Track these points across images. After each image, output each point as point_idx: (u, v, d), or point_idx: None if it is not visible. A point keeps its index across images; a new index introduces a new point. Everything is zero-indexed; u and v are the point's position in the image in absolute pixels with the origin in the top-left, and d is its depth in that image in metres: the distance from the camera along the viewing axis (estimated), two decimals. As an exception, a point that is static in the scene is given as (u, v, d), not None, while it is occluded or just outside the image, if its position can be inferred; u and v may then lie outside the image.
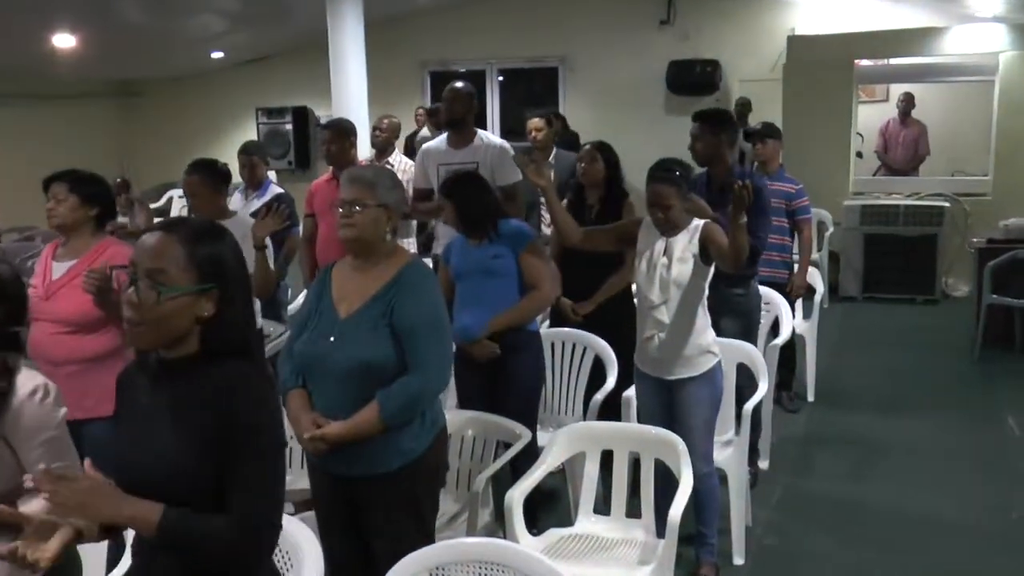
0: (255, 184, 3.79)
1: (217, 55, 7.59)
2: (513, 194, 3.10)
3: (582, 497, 2.25)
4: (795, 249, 3.79)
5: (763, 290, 3.41)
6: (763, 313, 3.41)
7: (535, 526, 2.30)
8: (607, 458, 2.22)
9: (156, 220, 5.90)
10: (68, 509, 1.12)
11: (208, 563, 1.17)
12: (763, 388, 2.69)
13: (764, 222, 2.77)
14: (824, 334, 4.24)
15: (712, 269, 2.33)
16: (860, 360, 4.61)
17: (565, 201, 2.91)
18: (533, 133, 4.28)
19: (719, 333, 2.48)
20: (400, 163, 4.16)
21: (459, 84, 3.26)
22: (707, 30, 6.99)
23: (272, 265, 3.00)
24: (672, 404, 2.37)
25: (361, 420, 1.74)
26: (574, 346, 2.88)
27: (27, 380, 1.43)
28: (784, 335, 3.35)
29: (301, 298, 3.33)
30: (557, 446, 2.19)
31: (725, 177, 2.77)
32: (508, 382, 2.49)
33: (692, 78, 6.90)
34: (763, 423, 3.13)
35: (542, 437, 2.50)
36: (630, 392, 2.61)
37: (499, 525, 2.19)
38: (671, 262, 2.30)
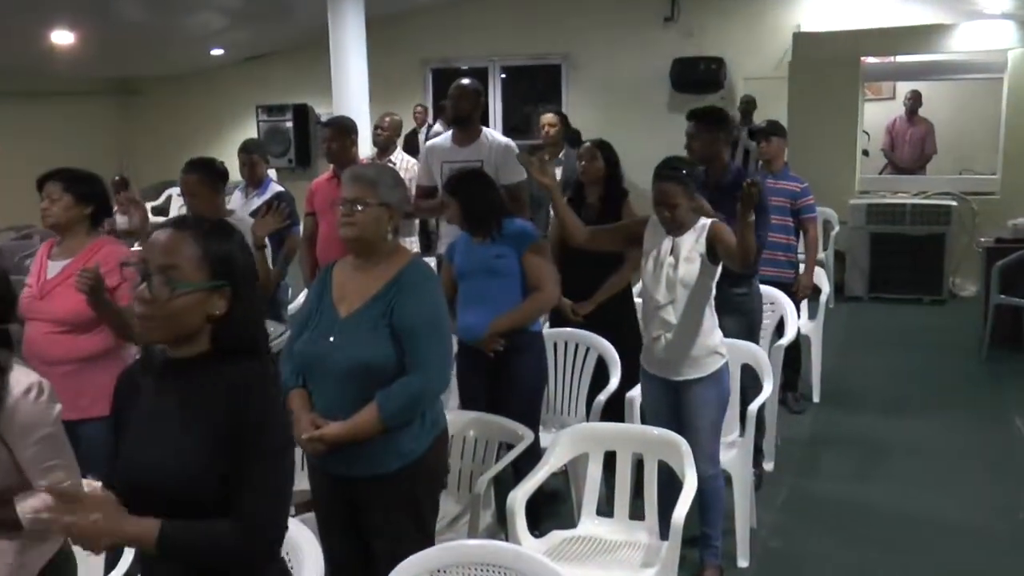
0: (255, 182, 3.77)
1: (217, 52, 7.59)
2: (517, 193, 3.08)
3: (585, 499, 2.23)
4: (800, 249, 3.76)
5: (768, 290, 3.39)
6: (768, 313, 3.39)
7: (537, 528, 2.28)
8: (610, 459, 2.20)
9: (157, 220, 5.90)
10: (70, 518, 1.10)
11: (214, 567, 1.16)
12: (768, 389, 2.67)
13: (764, 220, 2.75)
14: (830, 334, 4.22)
15: (719, 269, 2.31)
16: (866, 361, 4.58)
17: (566, 199, 2.88)
18: (546, 128, 4.24)
19: (723, 333, 2.45)
20: (402, 161, 4.14)
21: (466, 81, 3.23)
22: (711, 27, 6.96)
23: (272, 264, 2.98)
24: (678, 405, 2.36)
25: (360, 421, 1.73)
26: (577, 346, 2.87)
27: (21, 378, 1.42)
28: (789, 335, 3.32)
29: (302, 297, 3.32)
30: (560, 447, 2.18)
31: (722, 176, 2.75)
32: (510, 383, 2.48)
33: (696, 76, 6.86)
34: (768, 424, 3.11)
35: (545, 438, 2.48)
36: (633, 392, 2.60)
37: (501, 527, 2.18)
38: (678, 262, 2.28)
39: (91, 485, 1.14)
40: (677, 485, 2.02)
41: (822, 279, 4.04)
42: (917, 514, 2.89)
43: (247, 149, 3.80)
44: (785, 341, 3.29)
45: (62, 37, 5.93)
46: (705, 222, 2.30)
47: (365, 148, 4.50)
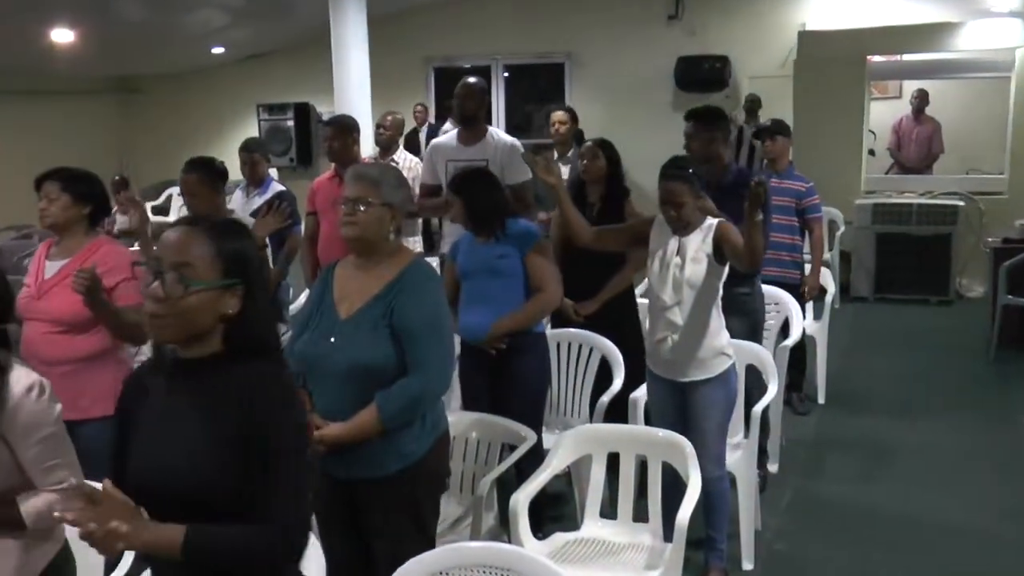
0: (256, 181, 3.76)
1: (218, 51, 7.56)
2: (522, 193, 3.07)
3: (588, 500, 2.22)
4: (806, 249, 3.74)
5: (773, 290, 3.38)
6: (773, 314, 3.37)
7: (540, 530, 2.27)
8: (614, 461, 2.19)
9: (158, 219, 5.88)
10: (93, 526, 1.08)
11: (238, 571, 1.15)
12: (772, 390, 2.65)
13: (766, 219, 2.74)
14: (835, 335, 4.18)
15: (727, 269, 2.29)
16: (872, 362, 4.55)
17: None
18: (556, 126, 4.22)
19: None
20: (405, 160, 4.13)
21: (472, 80, 3.22)
22: (716, 25, 6.93)
23: (272, 264, 2.97)
24: (685, 407, 2.34)
25: (360, 422, 1.72)
26: (580, 347, 2.85)
27: (22, 377, 1.42)
28: (794, 336, 3.30)
29: (303, 298, 3.30)
30: (563, 448, 2.16)
31: (722, 175, 2.73)
32: (513, 383, 2.46)
33: (701, 74, 6.83)
34: (773, 425, 3.09)
35: (548, 439, 2.47)
36: (637, 394, 2.59)
37: (504, 529, 2.17)
38: (684, 262, 2.26)
39: (107, 487, 1.12)
40: (681, 487, 2.01)
41: (827, 279, 4.02)
42: (923, 516, 2.86)
43: (248, 148, 3.78)
44: (790, 342, 3.27)
45: (62, 35, 5.90)
46: (712, 222, 2.28)
47: (367, 147, 4.49)
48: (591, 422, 2.66)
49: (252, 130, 7.55)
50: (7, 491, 1.41)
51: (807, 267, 3.71)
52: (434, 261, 3.29)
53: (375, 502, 1.77)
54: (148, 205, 6.45)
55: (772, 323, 3.38)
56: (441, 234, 3.61)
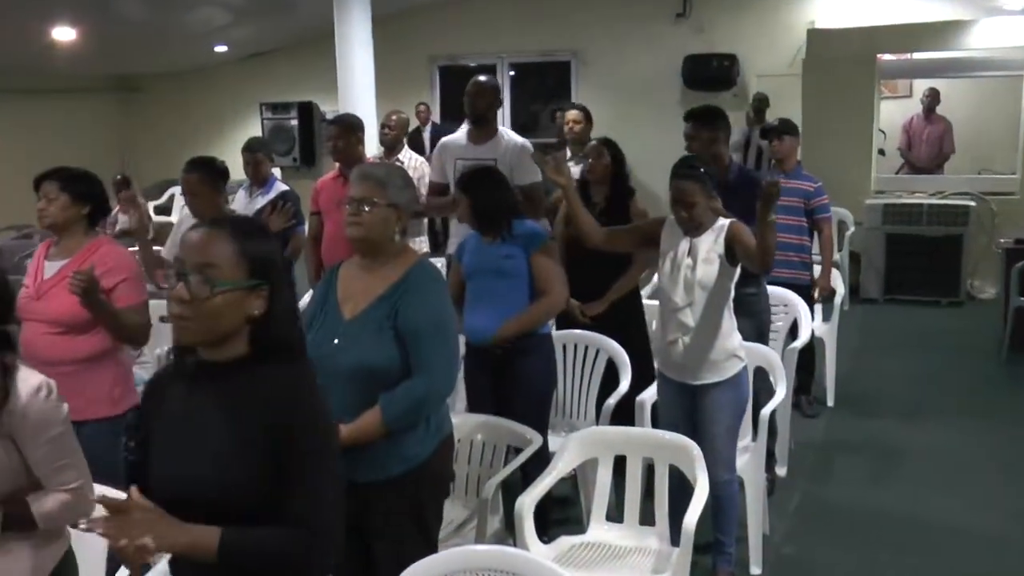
0: (260, 181, 3.73)
1: (220, 49, 7.52)
2: (532, 194, 3.04)
3: (594, 504, 2.20)
4: (814, 250, 3.70)
5: (781, 292, 3.35)
6: (782, 315, 3.34)
7: (546, 533, 2.25)
8: (620, 464, 2.17)
9: (160, 219, 5.85)
10: (124, 542, 1.07)
11: (267, 574, 1.14)
12: (781, 393, 2.63)
13: None
14: (844, 337, 4.15)
15: (738, 270, 2.27)
16: (881, 364, 4.51)
17: None
18: (571, 124, 4.20)
19: None
20: (410, 160, 4.10)
21: (483, 78, 3.19)
22: (723, 23, 6.88)
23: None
24: (695, 410, 2.32)
25: (363, 424, 1.70)
26: (586, 348, 2.83)
27: (29, 378, 1.42)
28: (803, 338, 3.27)
29: (307, 298, 3.29)
30: (569, 451, 2.14)
31: (724, 176, 2.71)
32: (518, 385, 2.45)
33: (708, 73, 6.79)
34: (781, 428, 3.06)
35: (553, 442, 2.45)
36: (644, 396, 2.56)
37: (509, 532, 2.15)
38: (696, 263, 2.24)
39: (134, 495, 1.11)
40: (688, 490, 1.99)
41: (837, 281, 3.98)
42: (932, 519, 2.83)
43: (251, 148, 3.76)
44: (799, 344, 3.24)
45: (63, 34, 5.88)
46: (723, 222, 2.25)
47: (371, 147, 4.46)
48: (597, 424, 2.64)
49: (254, 129, 7.53)
50: (16, 492, 1.41)
51: (816, 268, 3.68)
52: (439, 262, 3.27)
53: (377, 504, 1.75)
54: (150, 205, 6.46)
55: (780, 325, 3.35)
56: (446, 234, 3.58)
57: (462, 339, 2.34)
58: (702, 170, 2.25)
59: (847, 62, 5.81)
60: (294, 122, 7.76)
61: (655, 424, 2.47)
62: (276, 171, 4.30)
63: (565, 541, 2.14)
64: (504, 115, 7.60)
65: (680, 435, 2.13)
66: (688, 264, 2.24)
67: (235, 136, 6.50)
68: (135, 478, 1.20)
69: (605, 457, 2.16)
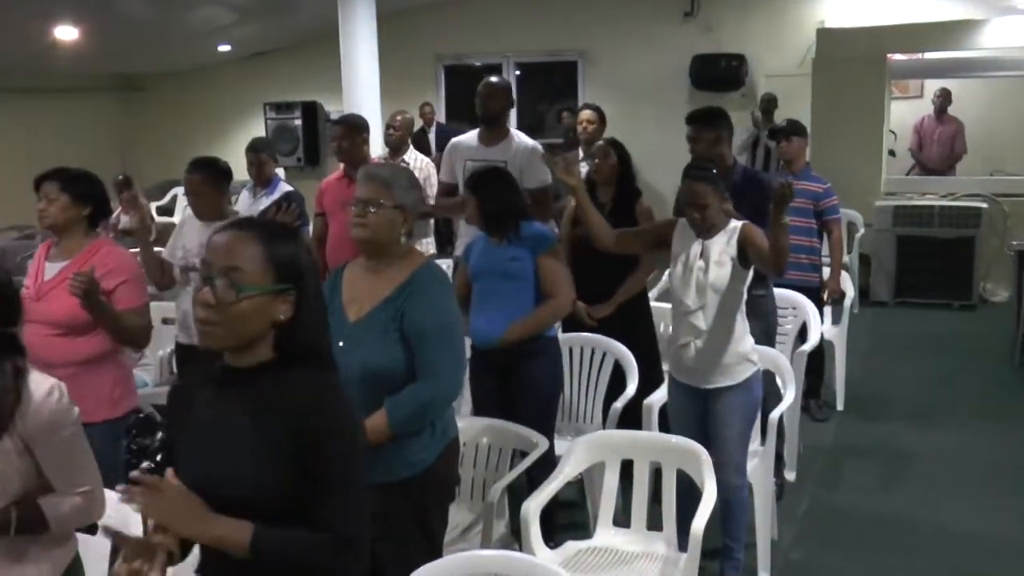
0: (263, 182, 3.73)
1: (224, 48, 7.47)
2: (541, 198, 3.02)
3: (601, 508, 2.18)
4: (824, 251, 3.67)
5: (790, 294, 3.32)
6: (791, 318, 3.31)
7: (552, 538, 2.23)
8: (627, 468, 2.15)
9: (163, 220, 5.83)
10: (157, 518, 1.09)
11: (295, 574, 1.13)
12: (790, 396, 2.61)
13: None
14: (854, 340, 4.13)
15: (751, 272, 2.24)
16: (892, 367, 4.46)
17: None
18: (584, 124, 4.17)
19: None
20: (415, 161, 4.08)
21: (494, 79, 3.18)
22: (732, 22, 6.84)
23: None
24: (706, 414, 2.30)
25: (369, 427, 1.68)
26: (593, 351, 2.81)
27: (41, 381, 1.42)
28: (812, 341, 3.25)
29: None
30: (575, 455, 2.13)
31: (727, 177, 2.68)
32: (524, 389, 2.43)
33: (717, 73, 6.75)
34: (790, 432, 3.04)
35: (560, 446, 2.43)
36: (651, 399, 2.54)
37: (515, 537, 2.14)
38: (708, 265, 2.22)
39: (170, 475, 1.13)
40: (696, 494, 1.97)
41: (846, 283, 3.95)
42: (942, 524, 2.80)
43: (255, 148, 3.75)
44: (808, 347, 3.21)
45: (65, 33, 5.84)
46: (736, 224, 2.23)
47: (376, 148, 4.44)
48: (604, 428, 2.62)
49: (258, 129, 7.48)
50: (28, 494, 1.42)
51: (825, 270, 3.64)
52: (445, 263, 3.25)
53: (382, 508, 1.73)
54: (152, 205, 6.45)
55: (789, 328, 3.32)
56: (451, 235, 3.56)
57: (467, 341, 2.32)
58: (714, 171, 2.23)
59: (857, 62, 5.76)
60: (298, 122, 7.72)
61: (662, 428, 2.45)
62: (280, 172, 4.29)
63: (571, 546, 2.12)
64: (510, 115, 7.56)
65: (688, 439, 2.11)
66: (700, 267, 2.22)
67: (238, 136, 6.47)
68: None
69: (612, 461, 2.15)
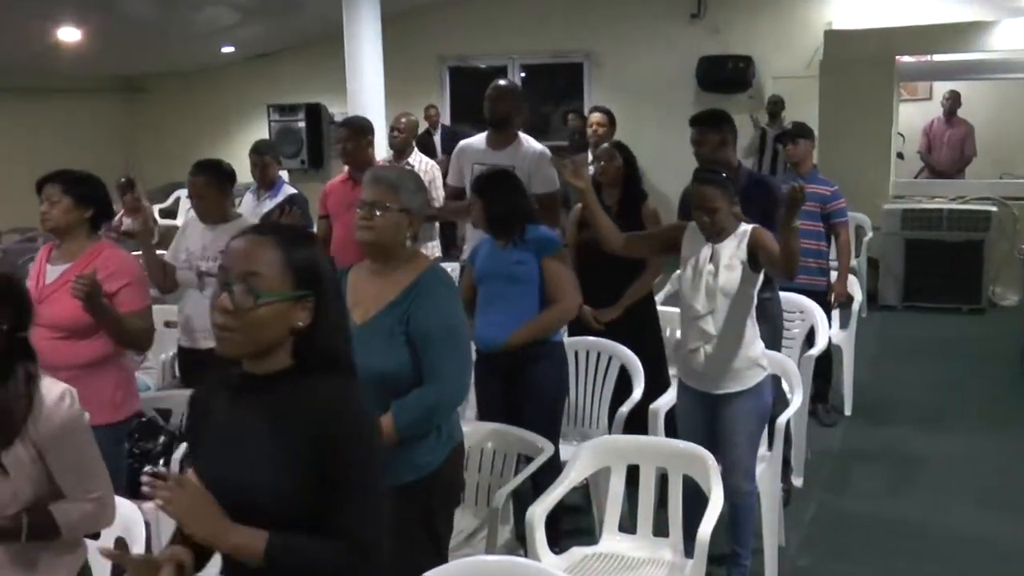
0: (267, 184, 3.72)
1: (227, 49, 7.45)
2: (549, 203, 3.00)
3: (607, 514, 2.17)
4: (831, 255, 3.65)
5: (798, 298, 3.30)
6: (798, 322, 3.28)
7: (557, 544, 2.22)
8: (633, 473, 2.13)
9: (166, 223, 5.81)
10: (176, 514, 1.09)
11: None
12: (797, 401, 2.59)
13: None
14: (862, 344, 4.08)
15: (761, 276, 2.23)
16: (900, 372, 4.43)
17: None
18: (595, 127, 4.16)
19: None
20: (420, 163, 4.07)
21: (503, 82, 3.16)
22: (739, 24, 6.82)
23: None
24: (715, 419, 2.28)
25: (374, 432, 1.67)
26: (599, 356, 2.80)
27: (52, 386, 1.42)
28: (820, 345, 3.22)
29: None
30: (581, 460, 2.11)
31: (735, 180, 2.65)
32: (530, 393, 2.42)
33: (724, 75, 6.73)
34: (798, 437, 3.02)
35: (565, 451, 2.42)
36: (658, 404, 2.53)
37: (520, 543, 2.13)
38: (718, 269, 2.20)
39: (192, 475, 1.13)
40: (702, 500, 1.95)
41: (854, 287, 3.92)
42: (951, 532, 2.77)
43: (258, 150, 3.75)
44: (815, 351, 3.19)
45: (68, 33, 5.82)
46: (746, 228, 2.22)
47: (381, 150, 4.43)
48: (610, 433, 2.61)
49: (261, 131, 7.47)
50: (39, 500, 1.42)
51: (833, 274, 3.62)
52: (451, 266, 3.24)
53: (387, 511, 1.73)
54: (155, 208, 6.44)
55: (797, 332, 3.31)
56: (455, 238, 3.54)
57: (472, 345, 2.31)
58: (724, 175, 2.22)
59: (865, 64, 5.72)
60: (302, 124, 7.70)
61: (669, 432, 2.44)
62: (284, 174, 4.28)
63: (577, 552, 2.11)
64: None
65: (694, 444, 2.10)
66: (710, 271, 2.21)
67: (242, 138, 6.45)
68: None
69: (618, 466, 2.13)
